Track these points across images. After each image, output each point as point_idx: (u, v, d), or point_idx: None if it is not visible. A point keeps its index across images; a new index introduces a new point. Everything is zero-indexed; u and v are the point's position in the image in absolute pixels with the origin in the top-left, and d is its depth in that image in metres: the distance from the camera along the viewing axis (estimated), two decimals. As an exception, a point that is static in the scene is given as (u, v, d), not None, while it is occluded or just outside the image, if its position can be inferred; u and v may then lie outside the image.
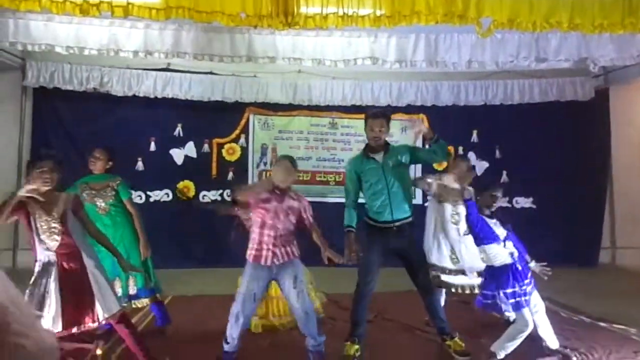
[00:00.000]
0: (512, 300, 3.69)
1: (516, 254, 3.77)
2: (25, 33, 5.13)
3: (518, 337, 3.71)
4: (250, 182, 7.82)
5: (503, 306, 3.76)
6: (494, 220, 3.80)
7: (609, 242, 7.96)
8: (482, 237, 3.77)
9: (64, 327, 3.01)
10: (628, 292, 6.09)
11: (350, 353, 3.80)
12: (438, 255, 4.58)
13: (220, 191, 7.70)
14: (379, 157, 3.92)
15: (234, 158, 7.82)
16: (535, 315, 3.80)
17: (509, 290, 3.69)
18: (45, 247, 3.10)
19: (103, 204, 4.21)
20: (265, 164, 7.91)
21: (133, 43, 5.29)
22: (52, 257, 3.11)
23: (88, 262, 3.17)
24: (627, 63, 5.57)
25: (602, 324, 4.76)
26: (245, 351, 3.83)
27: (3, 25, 5.06)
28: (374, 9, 4.16)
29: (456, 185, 4.66)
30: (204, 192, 7.71)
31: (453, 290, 4.55)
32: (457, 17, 4.11)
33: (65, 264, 3.11)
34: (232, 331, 3.61)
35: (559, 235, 7.44)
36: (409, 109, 7.83)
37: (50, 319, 2.99)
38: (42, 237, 3.11)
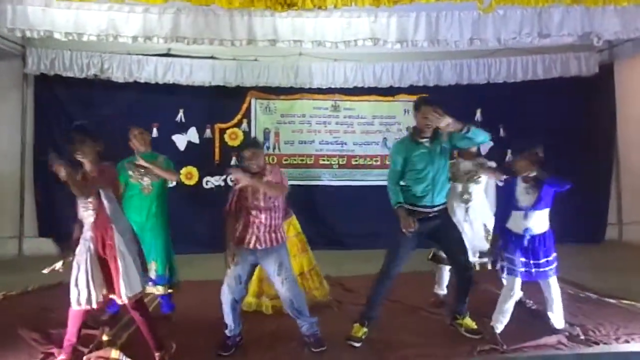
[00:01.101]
0: (507, 264, 3.79)
1: (535, 230, 3.76)
2: (23, 19, 5.10)
3: (507, 304, 3.78)
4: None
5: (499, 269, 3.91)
6: (527, 185, 3.74)
7: (616, 218, 7.93)
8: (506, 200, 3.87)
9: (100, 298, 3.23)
10: (635, 267, 6.05)
11: (358, 335, 3.79)
12: None
13: (224, 177, 7.70)
14: (427, 142, 3.82)
15: (236, 143, 7.79)
16: (549, 295, 3.88)
17: (506, 254, 3.80)
18: (83, 222, 3.25)
19: (148, 183, 4.29)
20: (268, 148, 7.89)
21: (132, 28, 5.24)
22: (89, 233, 3.24)
23: (118, 239, 3.25)
24: (632, 36, 5.47)
25: (609, 300, 4.74)
26: (252, 335, 3.86)
27: (1, 11, 5.03)
28: (373, -12, 4.10)
29: (469, 166, 4.65)
30: (207, 178, 7.72)
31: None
32: (457, -7, 4.04)
33: (99, 239, 3.23)
34: (228, 317, 3.64)
35: (565, 212, 7.27)
36: (412, 90, 7.76)
37: (89, 291, 3.18)
38: (80, 211, 3.25)
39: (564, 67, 7.47)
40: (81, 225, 3.31)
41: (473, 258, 4.51)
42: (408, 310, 4.61)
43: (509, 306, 3.82)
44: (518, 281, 3.78)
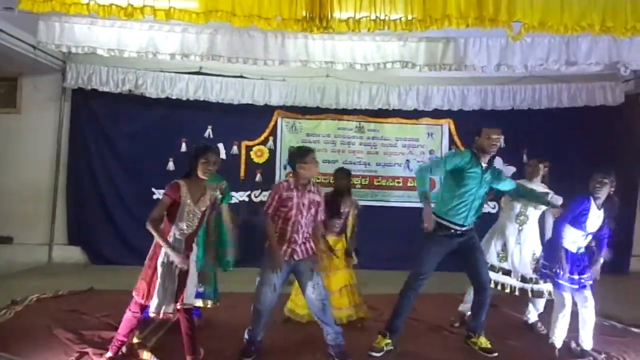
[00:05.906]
0: (555, 279, 3.92)
1: (582, 247, 3.99)
2: (70, 36, 5.40)
3: (561, 318, 3.89)
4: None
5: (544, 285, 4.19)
6: (600, 212, 3.93)
7: (640, 249, 7.86)
8: (572, 219, 3.97)
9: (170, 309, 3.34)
10: (660, 299, 6.01)
11: (381, 345, 3.88)
12: (485, 248, 4.49)
13: (248, 192, 7.84)
14: (484, 166, 3.95)
15: (261, 160, 7.97)
16: (584, 310, 3.94)
17: (559, 271, 3.90)
18: (179, 232, 3.37)
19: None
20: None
21: (170, 46, 5.49)
22: (181, 242, 3.38)
23: (193, 251, 3.47)
24: (659, 67, 5.53)
25: (634, 329, 4.73)
26: (277, 342, 3.96)
27: (50, 28, 5.34)
28: (405, 14, 4.24)
29: (542, 188, 4.65)
30: (232, 193, 7.83)
31: (491, 286, 4.55)
32: (488, 20, 4.16)
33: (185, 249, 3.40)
34: (257, 322, 3.73)
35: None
36: (436, 114, 7.88)
37: (159, 301, 3.28)
38: (180, 221, 3.36)
39: (589, 96, 7.49)
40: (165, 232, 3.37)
41: (514, 282, 4.51)
42: (430, 329, 4.64)
43: (565, 321, 3.90)
44: (568, 296, 3.89)
